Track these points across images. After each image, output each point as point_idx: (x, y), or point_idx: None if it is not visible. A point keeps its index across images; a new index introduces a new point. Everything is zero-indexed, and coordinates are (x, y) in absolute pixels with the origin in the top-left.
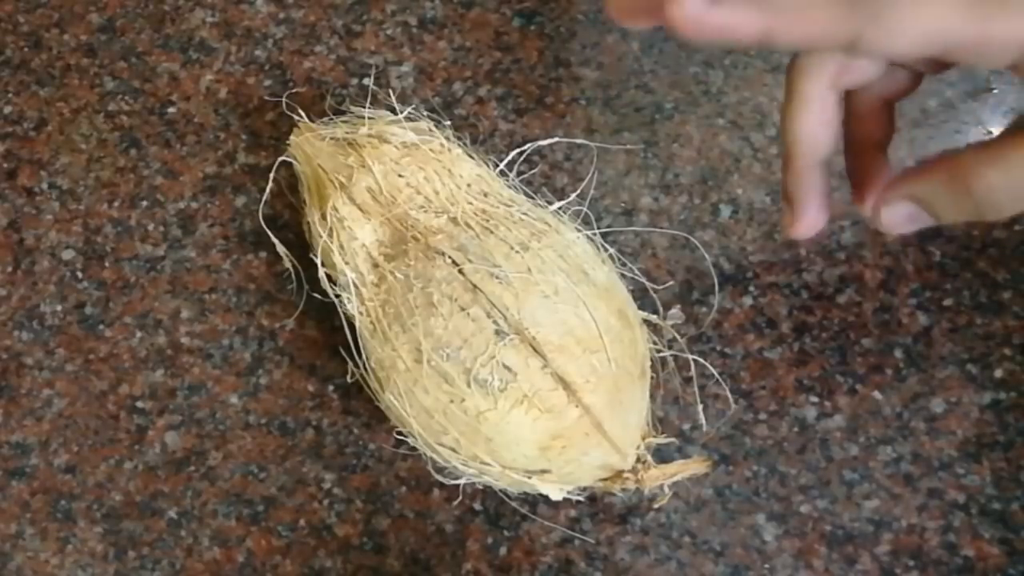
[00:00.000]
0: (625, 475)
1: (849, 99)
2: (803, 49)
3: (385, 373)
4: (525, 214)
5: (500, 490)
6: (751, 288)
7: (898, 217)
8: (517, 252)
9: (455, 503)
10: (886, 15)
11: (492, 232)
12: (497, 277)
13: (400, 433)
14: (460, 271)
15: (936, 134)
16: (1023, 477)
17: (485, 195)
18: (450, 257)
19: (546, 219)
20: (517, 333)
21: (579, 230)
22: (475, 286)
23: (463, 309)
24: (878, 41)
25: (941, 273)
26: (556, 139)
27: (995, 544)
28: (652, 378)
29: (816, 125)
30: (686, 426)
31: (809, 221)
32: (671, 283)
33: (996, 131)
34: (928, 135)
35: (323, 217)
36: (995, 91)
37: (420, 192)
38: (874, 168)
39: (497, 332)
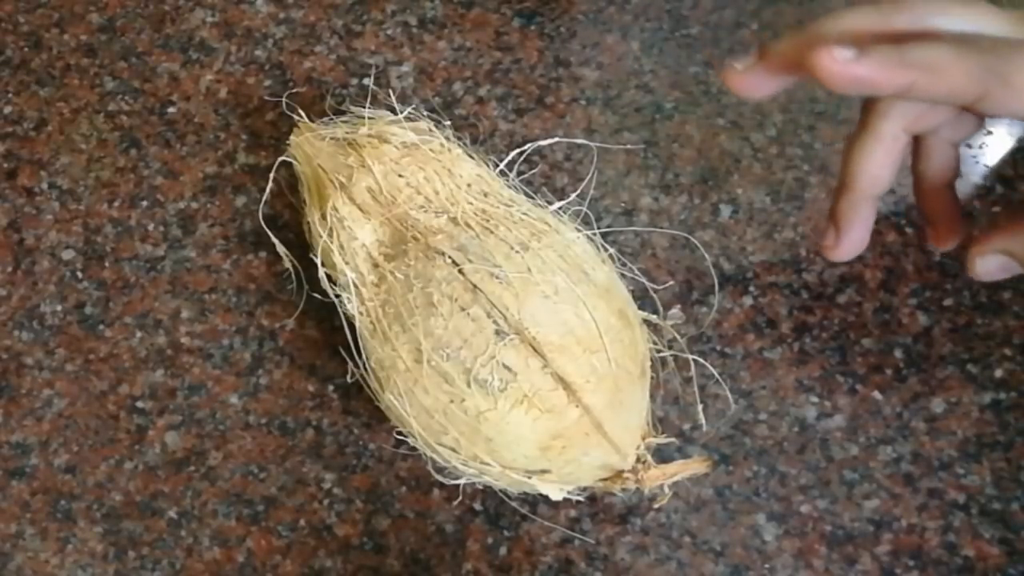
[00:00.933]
0: (625, 475)
1: (918, 142)
2: (935, 102)
3: (385, 373)
4: (525, 214)
5: (500, 490)
6: (751, 288)
7: (992, 267)
8: (517, 252)
9: (455, 503)
10: (1014, 79)
11: (492, 232)
12: (497, 277)
13: (400, 433)
14: (460, 271)
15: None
16: (1023, 477)
17: (485, 195)
18: (450, 257)
19: (546, 219)
20: (517, 333)
21: (579, 230)
22: (475, 286)
23: (463, 309)
24: (1003, 101)
25: (941, 273)
26: (556, 139)
27: (995, 544)
28: (652, 378)
29: (883, 163)
30: (686, 426)
31: (850, 246)
32: (671, 283)
33: (996, 132)
34: None
35: (323, 217)
36: None
37: (420, 192)
38: (945, 205)
39: (497, 332)
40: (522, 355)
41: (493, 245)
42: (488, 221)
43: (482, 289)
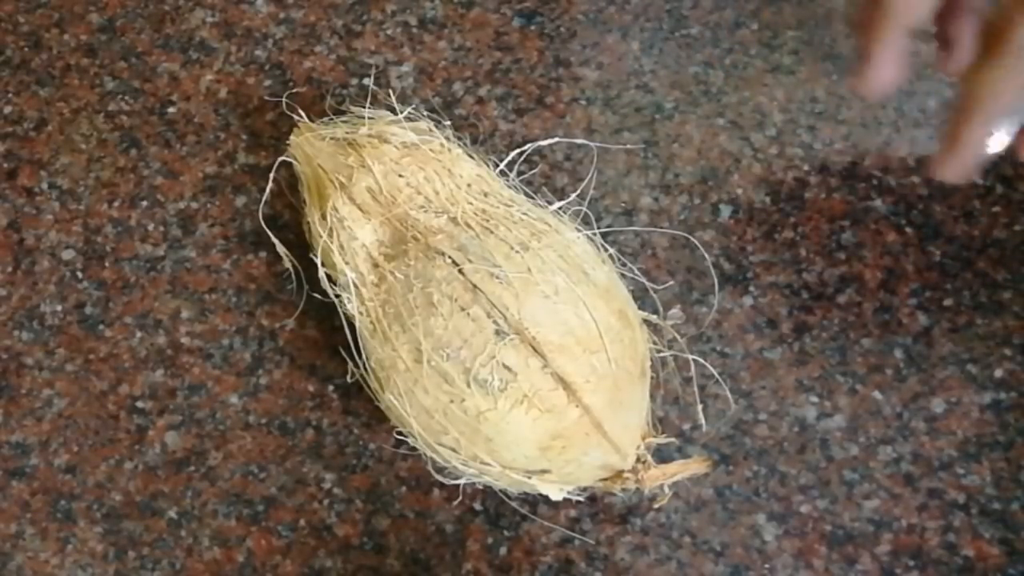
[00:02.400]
0: (625, 475)
1: None
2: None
3: (385, 373)
4: (525, 214)
5: (500, 490)
6: (751, 288)
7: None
8: (517, 252)
9: (455, 503)
10: None
11: (492, 232)
12: (497, 277)
13: (400, 433)
14: (460, 271)
15: (936, 133)
16: (1023, 477)
17: (485, 195)
18: (450, 257)
19: (546, 219)
20: (517, 333)
21: (579, 230)
22: (475, 286)
23: (463, 309)
24: None
25: (941, 273)
26: (556, 139)
27: (995, 544)
28: (652, 378)
29: None
30: (686, 426)
31: (881, 80)
32: (671, 283)
33: (996, 131)
34: (928, 134)
35: (323, 217)
36: None
37: (420, 192)
38: (962, 29)
39: (497, 332)
40: (522, 355)
41: (493, 245)
42: (488, 221)
43: (482, 289)
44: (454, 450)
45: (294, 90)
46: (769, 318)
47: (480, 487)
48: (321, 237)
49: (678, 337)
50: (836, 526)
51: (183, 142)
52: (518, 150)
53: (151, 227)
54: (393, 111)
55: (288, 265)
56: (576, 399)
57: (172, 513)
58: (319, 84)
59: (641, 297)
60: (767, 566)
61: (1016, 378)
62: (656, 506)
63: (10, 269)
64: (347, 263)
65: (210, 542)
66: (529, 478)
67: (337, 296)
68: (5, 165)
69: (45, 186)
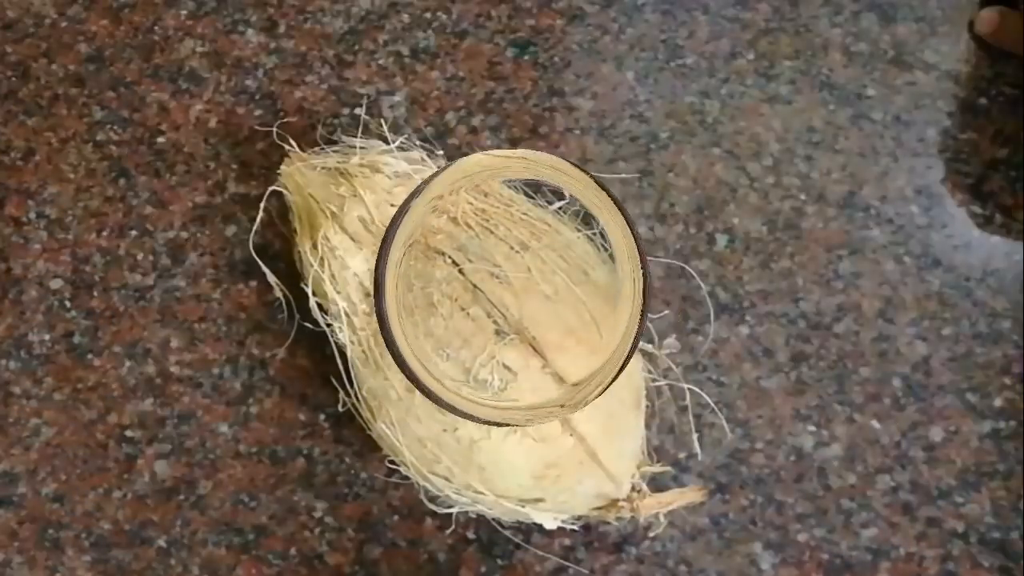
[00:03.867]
0: (620, 504)
1: None
2: None
3: (377, 402)
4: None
5: (493, 519)
6: (747, 317)
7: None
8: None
9: (448, 532)
10: None
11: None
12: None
13: (392, 462)
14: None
15: (934, 163)
16: (1022, 506)
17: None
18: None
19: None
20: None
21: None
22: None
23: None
24: None
25: (940, 302)
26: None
27: (994, 573)
28: (648, 407)
29: None
30: (682, 455)
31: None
32: (667, 312)
33: None
34: (927, 164)
35: (314, 246)
36: None
37: None
38: None
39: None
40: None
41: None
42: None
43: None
44: (447, 479)
45: (285, 120)
46: (766, 347)
47: (473, 516)
48: (312, 266)
49: (673, 366)
50: (834, 555)
51: (173, 171)
52: None
53: (140, 256)
54: (385, 141)
55: (279, 294)
56: (570, 428)
57: (161, 542)
58: (310, 114)
59: None
60: None
61: (1015, 407)
62: (651, 535)
63: None
64: (338, 292)
65: (200, 571)
66: (523, 507)
67: (328, 325)
68: None
69: (33, 215)
